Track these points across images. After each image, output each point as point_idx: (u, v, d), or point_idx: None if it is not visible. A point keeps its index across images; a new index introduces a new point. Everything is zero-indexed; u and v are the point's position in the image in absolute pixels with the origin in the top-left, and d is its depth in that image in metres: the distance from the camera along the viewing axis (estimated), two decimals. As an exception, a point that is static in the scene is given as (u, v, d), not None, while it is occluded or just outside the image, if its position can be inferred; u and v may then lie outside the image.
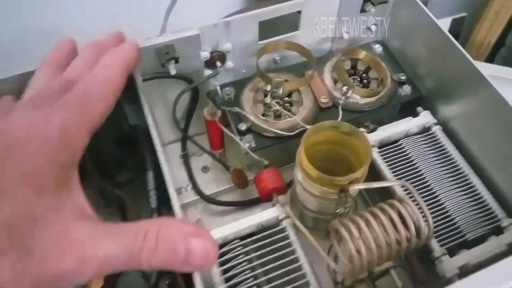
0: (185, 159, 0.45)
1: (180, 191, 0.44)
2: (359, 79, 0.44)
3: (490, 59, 0.74)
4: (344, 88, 0.41)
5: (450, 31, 0.39)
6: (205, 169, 0.46)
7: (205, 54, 0.40)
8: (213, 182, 0.45)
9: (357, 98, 0.42)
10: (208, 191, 0.44)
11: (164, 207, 0.36)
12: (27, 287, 0.22)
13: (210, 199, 0.43)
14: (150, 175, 0.34)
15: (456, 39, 0.38)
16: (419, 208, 0.32)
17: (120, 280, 0.38)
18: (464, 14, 0.67)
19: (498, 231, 0.36)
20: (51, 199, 0.23)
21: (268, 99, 0.41)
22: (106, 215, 0.32)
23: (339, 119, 0.40)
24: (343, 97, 0.41)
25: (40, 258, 0.22)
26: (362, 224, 0.31)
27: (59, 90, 0.27)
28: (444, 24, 0.66)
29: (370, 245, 0.30)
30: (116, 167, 0.42)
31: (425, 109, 0.43)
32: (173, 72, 0.37)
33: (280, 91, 0.39)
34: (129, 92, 0.33)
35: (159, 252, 0.23)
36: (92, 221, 0.24)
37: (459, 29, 0.69)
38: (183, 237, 0.24)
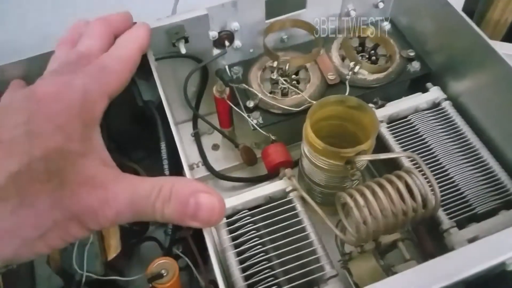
0: (197, 137, 0.46)
1: (192, 167, 0.45)
2: (367, 56, 0.45)
3: (507, 38, 0.72)
4: (351, 64, 0.42)
5: (464, 10, 0.39)
6: (215, 147, 0.48)
7: (213, 34, 0.41)
8: (223, 159, 0.46)
9: (365, 74, 0.42)
10: (218, 167, 0.45)
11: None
12: (59, 215, 0.24)
13: (220, 175, 0.44)
14: (163, 145, 0.36)
15: (471, 17, 0.38)
16: (426, 179, 0.31)
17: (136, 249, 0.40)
18: (479, -8, 0.66)
19: (509, 205, 0.36)
20: (79, 147, 0.25)
21: (274, 75, 0.41)
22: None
23: (346, 94, 0.40)
24: (350, 73, 0.41)
25: (71, 192, 0.24)
26: (367, 194, 0.31)
27: (78, 61, 0.29)
28: (458, 2, 0.65)
29: (376, 213, 0.30)
30: (132, 144, 0.43)
31: (434, 85, 0.42)
32: (183, 51, 0.38)
33: (287, 67, 0.40)
34: (143, 70, 0.35)
35: (172, 203, 0.25)
36: (115, 169, 0.27)
37: (474, 8, 0.68)
38: (193, 192, 0.26)
